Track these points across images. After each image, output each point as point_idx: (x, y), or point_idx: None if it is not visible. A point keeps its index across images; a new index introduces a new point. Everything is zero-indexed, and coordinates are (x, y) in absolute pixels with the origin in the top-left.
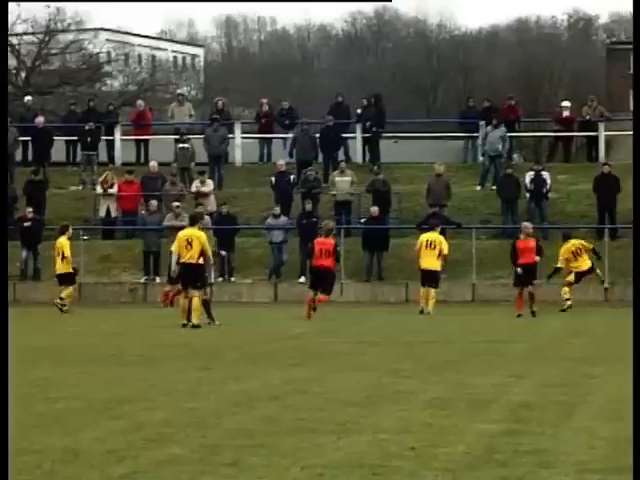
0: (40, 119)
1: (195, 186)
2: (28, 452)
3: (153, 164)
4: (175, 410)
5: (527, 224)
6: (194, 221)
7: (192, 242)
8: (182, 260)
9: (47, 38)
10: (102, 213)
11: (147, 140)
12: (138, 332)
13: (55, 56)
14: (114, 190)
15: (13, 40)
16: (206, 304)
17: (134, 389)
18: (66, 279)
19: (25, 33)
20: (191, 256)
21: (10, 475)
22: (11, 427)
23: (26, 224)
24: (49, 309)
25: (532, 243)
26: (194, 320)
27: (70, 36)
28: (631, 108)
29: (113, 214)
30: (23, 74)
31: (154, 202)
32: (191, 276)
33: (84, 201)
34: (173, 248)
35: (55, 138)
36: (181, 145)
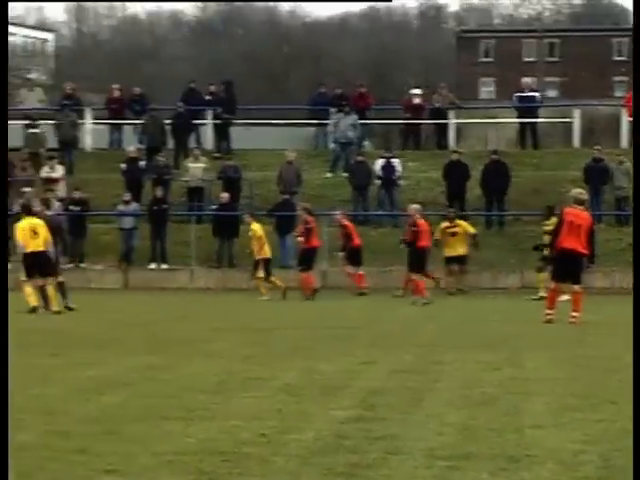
0: None
1: (45, 172)
2: None
3: None
4: (23, 396)
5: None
6: (29, 210)
7: (37, 231)
8: (29, 250)
9: None
10: None
11: None
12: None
13: None
14: None
15: None
16: (62, 287)
17: None
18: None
19: None
20: (37, 244)
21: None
22: None
23: None
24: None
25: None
26: (55, 307)
27: None
28: (480, 96)
29: None
30: None
31: None
32: (42, 264)
33: None
34: (19, 239)
35: None
36: (31, 130)
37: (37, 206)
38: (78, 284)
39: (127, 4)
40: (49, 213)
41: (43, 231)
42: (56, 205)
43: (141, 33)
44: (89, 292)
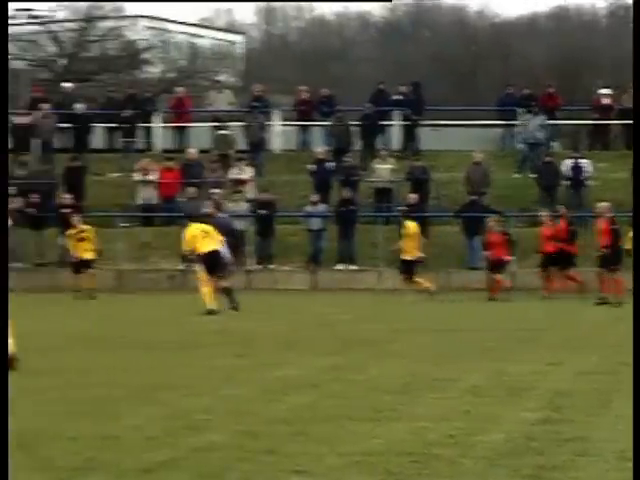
0: (79, 106)
1: (234, 173)
2: (67, 438)
3: (192, 151)
4: (213, 397)
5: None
6: (205, 216)
7: (209, 233)
8: (205, 250)
9: (87, 25)
10: (141, 200)
11: (185, 127)
12: (176, 319)
13: (95, 43)
14: (153, 177)
15: (54, 27)
16: (228, 290)
17: (172, 376)
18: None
19: (65, 20)
20: (211, 244)
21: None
22: (48, 413)
23: (64, 210)
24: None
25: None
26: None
27: (110, 23)
28: None
29: (152, 201)
30: (63, 61)
31: (192, 189)
32: (217, 264)
33: (123, 188)
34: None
35: (94, 125)
36: (220, 132)
37: (209, 208)
38: (266, 285)
39: (314, 4)
40: (221, 216)
41: (214, 233)
42: (243, 206)
43: (329, 34)
44: (276, 293)
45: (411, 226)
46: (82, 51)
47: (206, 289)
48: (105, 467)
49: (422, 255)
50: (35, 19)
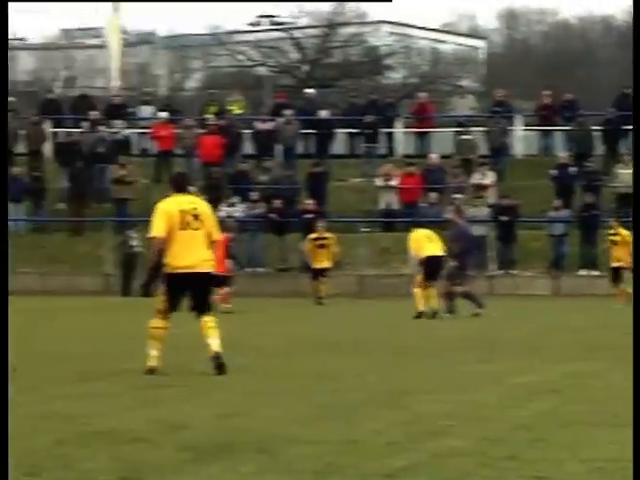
0: (323, 112)
1: (476, 178)
2: (308, 443)
3: (434, 156)
4: (454, 402)
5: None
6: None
7: (432, 238)
8: (428, 254)
9: (329, 31)
10: (382, 205)
11: (428, 132)
12: (416, 324)
13: (337, 49)
14: (395, 182)
15: (296, 33)
16: (469, 295)
17: (414, 381)
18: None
19: (308, 26)
20: (435, 248)
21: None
22: (288, 417)
23: (307, 216)
24: (329, 300)
25: None
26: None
27: (352, 29)
28: None
29: (393, 206)
30: (306, 67)
31: (434, 194)
32: (437, 269)
33: (365, 193)
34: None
35: (336, 131)
36: (463, 137)
37: (450, 214)
38: (507, 290)
39: (558, 9)
40: (461, 222)
41: (437, 239)
42: (484, 212)
43: (572, 38)
44: (518, 298)
45: (624, 234)
46: (324, 57)
47: (419, 291)
48: (346, 471)
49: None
50: (278, 25)
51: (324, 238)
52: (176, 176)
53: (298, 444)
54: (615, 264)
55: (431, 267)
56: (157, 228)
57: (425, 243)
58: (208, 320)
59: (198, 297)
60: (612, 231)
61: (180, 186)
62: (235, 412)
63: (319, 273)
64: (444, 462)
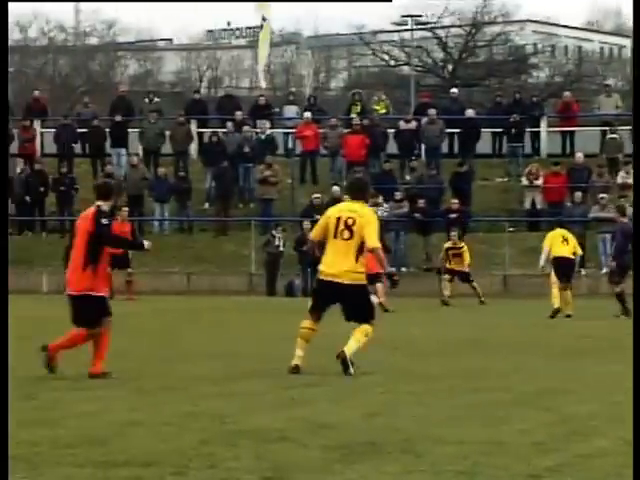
0: (469, 111)
1: (621, 177)
2: (453, 443)
3: (579, 155)
4: (600, 403)
5: None
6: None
7: (568, 239)
8: (557, 255)
9: (474, 30)
10: (527, 205)
11: (573, 132)
12: (563, 324)
13: (482, 48)
14: (539, 182)
15: (440, 33)
16: (621, 297)
17: (560, 381)
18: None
19: (452, 26)
20: (565, 250)
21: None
22: (433, 417)
23: (452, 216)
24: (466, 300)
25: None
26: (568, 311)
27: (497, 28)
28: None
29: (538, 206)
30: (450, 66)
31: (579, 194)
32: (566, 270)
33: (509, 193)
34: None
35: (481, 130)
36: (609, 136)
37: (613, 213)
38: None
39: None
40: (624, 220)
41: (572, 240)
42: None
43: None
44: None
45: None
46: (469, 56)
47: (555, 290)
48: (490, 472)
49: None
50: (422, 25)
51: (458, 247)
52: (353, 181)
53: (443, 444)
54: None
55: (560, 268)
56: (314, 231)
57: (558, 243)
58: (358, 329)
59: (346, 308)
60: None
61: (354, 193)
62: (380, 412)
63: (454, 274)
64: (589, 463)
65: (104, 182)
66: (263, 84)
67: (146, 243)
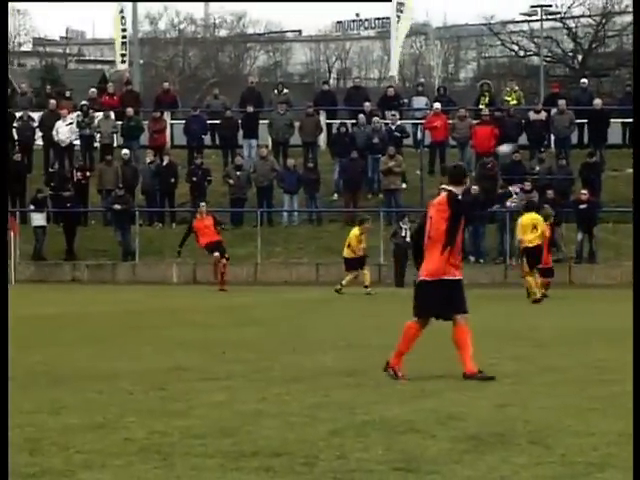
0: (597, 101)
1: None
2: (582, 434)
3: None
4: None
5: None
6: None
7: (537, 225)
8: (527, 245)
9: (604, 20)
10: None
11: None
12: None
13: (612, 38)
14: None
15: (570, 23)
16: None
17: None
18: (349, 265)
19: (582, 16)
20: (530, 240)
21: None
22: (562, 409)
23: (582, 206)
24: (604, 291)
25: None
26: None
27: (627, 18)
28: None
29: None
30: (580, 57)
31: None
32: (537, 258)
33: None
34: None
35: (611, 120)
36: None
37: None
38: None
39: None
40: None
41: (542, 224)
42: None
43: None
44: None
45: None
46: (599, 46)
47: (530, 279)
48: (620, 464)
49: None
50: (552, 15)
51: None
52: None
53: (572, 436)
54: None
55: (531, 257)
56: None
57: (528, 232)
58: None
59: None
60: None
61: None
62: (509, 403)
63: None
64: None
65: (456, 166)
66: (396, 75)
67: None
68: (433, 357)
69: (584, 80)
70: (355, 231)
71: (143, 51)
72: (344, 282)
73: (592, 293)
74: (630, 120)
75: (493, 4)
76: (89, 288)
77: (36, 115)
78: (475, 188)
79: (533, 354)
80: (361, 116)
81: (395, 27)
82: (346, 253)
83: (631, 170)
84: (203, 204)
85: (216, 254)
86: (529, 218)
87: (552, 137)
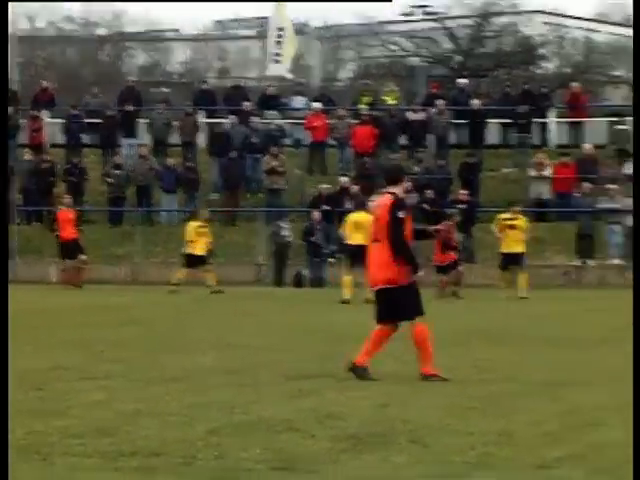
0: (475, 101)
1: (629, 168)
2: (461, 433)
3: (588, 146)
4: (610, 394)
5: None
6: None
7: (362, 223)
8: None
9: (482, 21)
10: (534, 195)
11: (581, 122)
12: (572, 315)
13: (490, 39)
14: (548, 172)
15: (449, 23)
16: None
17: (570, 372)
18: (191, 262)
19: (461, 16)
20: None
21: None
22: (443, 408)
23: (460, 206)
24: (483, 291)
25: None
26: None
27: (505, 19)
28: None
29: (545, 196)
30: (458, 57)
31: (587, 184)
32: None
33: (516, 184)
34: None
35: (489, 120)
36: (617, 127)
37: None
38: None
39: None
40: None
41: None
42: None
43: None
44: None
45: None
46: (478, 47)
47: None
48: (498, 463)
49: None
50: (431, 15)
51: (515, 219)
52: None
53: (451, 435)
54: None
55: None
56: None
57: (354, 229)
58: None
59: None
60: None
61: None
62: (389, 402)
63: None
64: (599, 453)
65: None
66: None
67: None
68: (312, 357)
69: (462, 80)
70: (192, 224)
71: (21, 49)
72: (176, 279)
73: (471, 293)
74: (507, 121)
75: (372, 4)
76: None
77: None
78: (355, 188)
79: (413, 354)
80: (232, 116)
81: (275, 26)
82: (189, 249)
83: (509, 170)
84: (68, 197)
85: (83, 257)
86: (357, 217)
87: (431, 137)
